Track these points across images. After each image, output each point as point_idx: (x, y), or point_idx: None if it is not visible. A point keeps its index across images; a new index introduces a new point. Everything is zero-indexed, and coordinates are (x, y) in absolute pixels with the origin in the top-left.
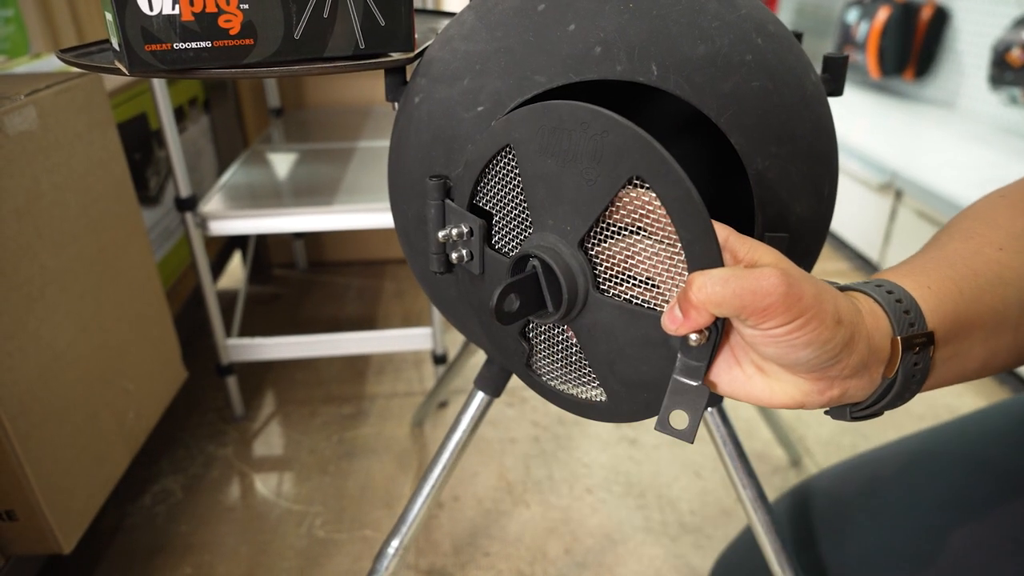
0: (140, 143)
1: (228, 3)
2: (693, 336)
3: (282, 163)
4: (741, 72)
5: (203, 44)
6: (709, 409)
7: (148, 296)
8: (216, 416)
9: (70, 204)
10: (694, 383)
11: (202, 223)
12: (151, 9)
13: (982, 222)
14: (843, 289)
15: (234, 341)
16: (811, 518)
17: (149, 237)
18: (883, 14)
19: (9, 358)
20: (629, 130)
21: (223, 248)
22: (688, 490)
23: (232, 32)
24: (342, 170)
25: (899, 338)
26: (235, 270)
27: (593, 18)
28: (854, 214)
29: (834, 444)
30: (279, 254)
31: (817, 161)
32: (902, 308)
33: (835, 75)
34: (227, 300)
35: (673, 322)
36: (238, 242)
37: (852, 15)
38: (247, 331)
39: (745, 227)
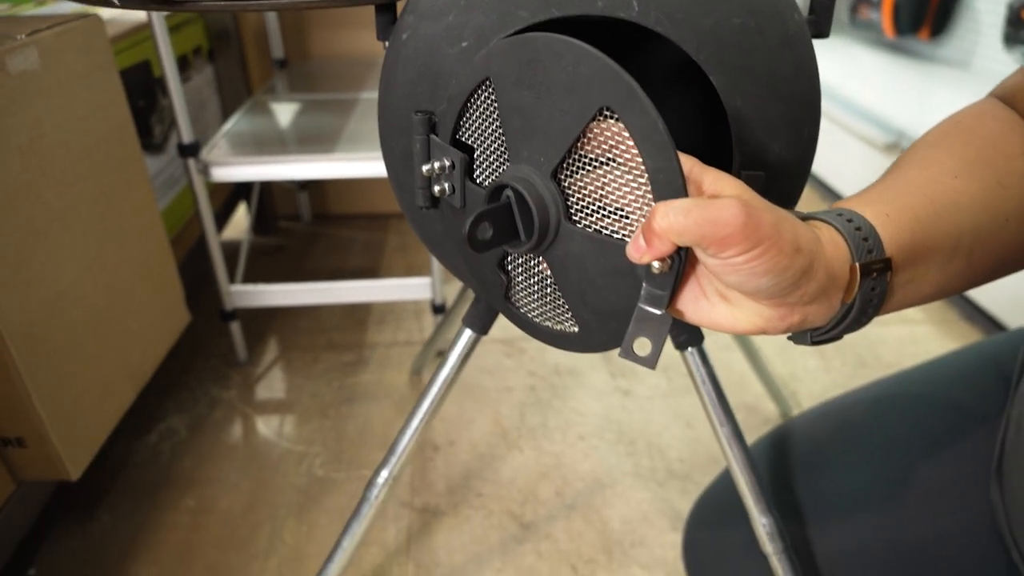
0: (144, 90)
1: None
2: (656, 264)
3: (285, 112)
4: (722, 9)
5: None
6: (690, 349)
7: (151, 239)
8: (220, 361)
9: (72, 145)
10: (658, 311)
11: (204, 169)
12: None
13: (939, 148)
14: (805, 218)
15: (237, 287)
16: (788, 458)
17: (153, 184)
18: None
19: (15, 293)
20: (599, 61)
21: (227, 198)
22: (678, 439)
23: None
24: (345, 120)
25: (857, 264)
26: (240, 221)
27: None
28: (857, 173)
29: (825, 398)
30: (284, 206)
31: (797, 102)
32: (861, 235)
33: (822, 16)
34: (232, 250)
35: (637, 251)
36: (243, 192)
37: None
38: (251, 279)
39: (728, 166)
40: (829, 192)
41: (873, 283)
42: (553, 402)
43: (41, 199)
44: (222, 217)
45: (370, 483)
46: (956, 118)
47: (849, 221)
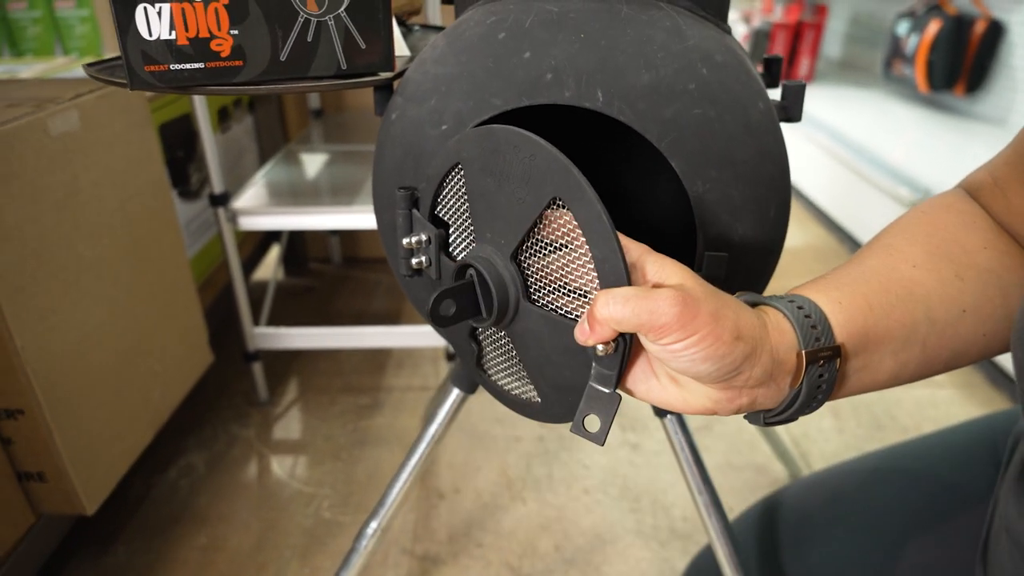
0: (184, 141)
1: (220, 29)
2: (600, 347)
3: (315, 162)
4: (683, 99)
5: (197, 65)
6: (668, 416)
7: (178, 286)
8: (242, 399)
9: (107, 199)
10: (606, 390)
11: (233, 218)
12: (150, 35)
13: (902, 238)
14: (756, 304)
15: (261, 330)
16: (776, 528)
17: (189, 229)
18: (934, 27)
19: (44, 336)
20: (551, 154)
21: (261, 241)
22: (683, 497)
23: (223, 55)
24: (370, 171)
25: (803, 352)
26: (273, 261)
27: (546, 47)
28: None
29: (838, 460)
30: (316, 248)
31: (761, 185)
32: (810, 323)
33: (792, 102)
34: (263, 290)
35: (583, 334)
36: (276, 235)
37: (902, 27)
38: (280, 320)
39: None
40: (856, 246)
41: (821, 370)
42: (560, 453)
43: (74, 250)
44: (255, 258)
45: (360, 533)
46: (922, 208)
47: (799, 308)
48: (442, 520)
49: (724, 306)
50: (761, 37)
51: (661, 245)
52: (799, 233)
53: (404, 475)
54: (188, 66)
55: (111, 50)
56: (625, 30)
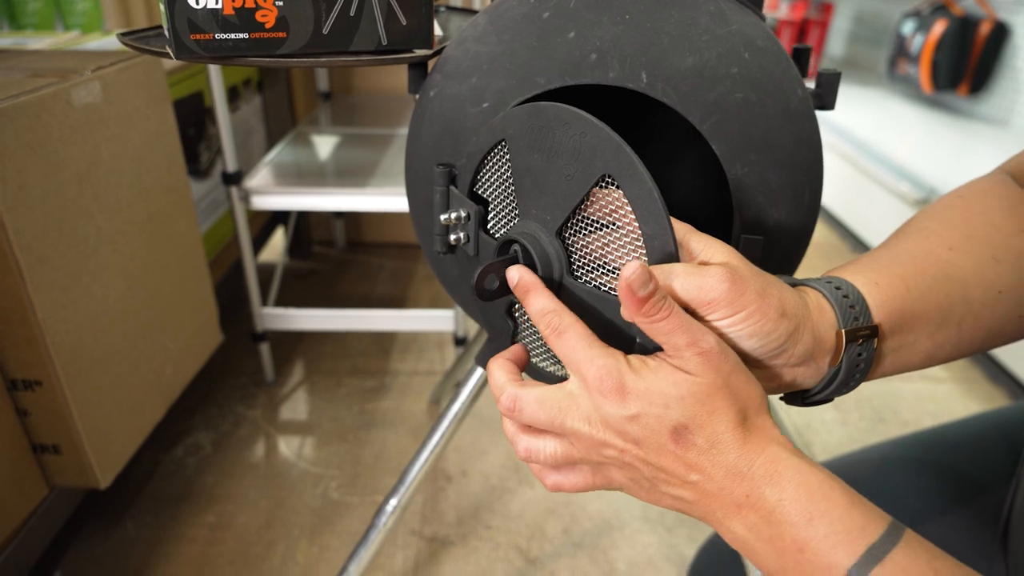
0: (195, 119)
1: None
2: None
3: (325, 144)
4: (726, 83)
5: (241, 36)
6: None
7: (191, 262)
8: (249, 380)
9: (125, 172)
10: None
11: (245, 197)
12: (197, 3)
13: (938, 221)
14: (795, 285)
15: (269, 310)
16: None
17: (198, 208)
18: (939, 27)
19: (64, 309)
20: (603, 132)
21: (266, 223)
22: None
23: (267, 26)
24: (381, 154)
25: (843, 330)
26: (277, 244)
27: (591, 27)
28: (887, 225)
29: (841, 452)
30: (320, 231)
31: (797, 170)
32: (848, 303)
33: (826, 90)
34: (267, 272)
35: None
36: (281, 218)
37: (908, 27)
38: (284, 302)
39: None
40: (858, 243)
41: (860, 348)
42: None
43: (93, 222)
44: (260, 240)
45: (379, 510)
46: (960, 192)
47: (837, 288)
48: (450, 502)
49: (769, 284)
50: None
51: (696, 224)
52: None
53: (425, 454)
54: (232, 36)
55: (113, 27)
56: (670, 12)
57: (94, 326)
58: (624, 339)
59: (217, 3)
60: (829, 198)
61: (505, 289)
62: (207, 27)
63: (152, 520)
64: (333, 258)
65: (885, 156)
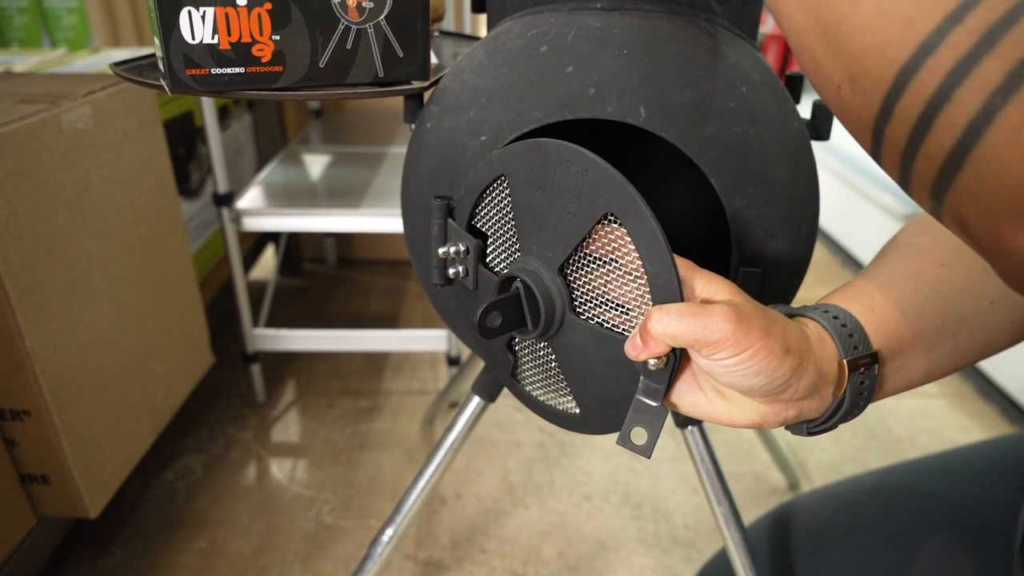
0: (185, 139)
1: (261, 34)
2: (652, 362)
3: (317, 163)
4: (724, 118)
5: (237, 70)
6: (690, 427)
7: (182, 285)
8: (240, 401)
9: (116, 196)
10: (654, 403)
11: (236, 218)
12: (193, 38)
13: (927, 236)
14: (793, 315)
15: (260, 331)
16: (789, 539)
17: (188, 228)
18: None
19: (53, 337)
20: (606, 171)
21: (257, 241)
22: (684, 504)
23: (264, 60)
24: (372, 173)
25: (845, 361)
26: (268, 261)
27: (590, 62)
28: (876, 240)
29: (834, 470)
30: (311, 249)
31: (795, 202)
32: (847, 332)
33: (822, 120)
34: (258, 290)
35: (634, 349)
36: (271, 235)
37: None
38: (274, 321)
39: (728, 258)
40: (848, 258)
41: (862, 377)
42: (561, 460)
43: (84, 248)
44: (251, 258)
45: (375, 540)
46: None
47: (835, 318)
48: (445, 526)
49: (773, 321)
50: None
51: (693, 255)
52: None
53: (422, 483)
54: (228, 70)
55: (99, 41)
56: (667, 47)
57: (84, 353)
58: (626, 377)
59: (213, 38)
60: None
61: (507, 326)
62: (203, 62)
63: (142, 547)
64: (325, 275)
65: (873, 170)
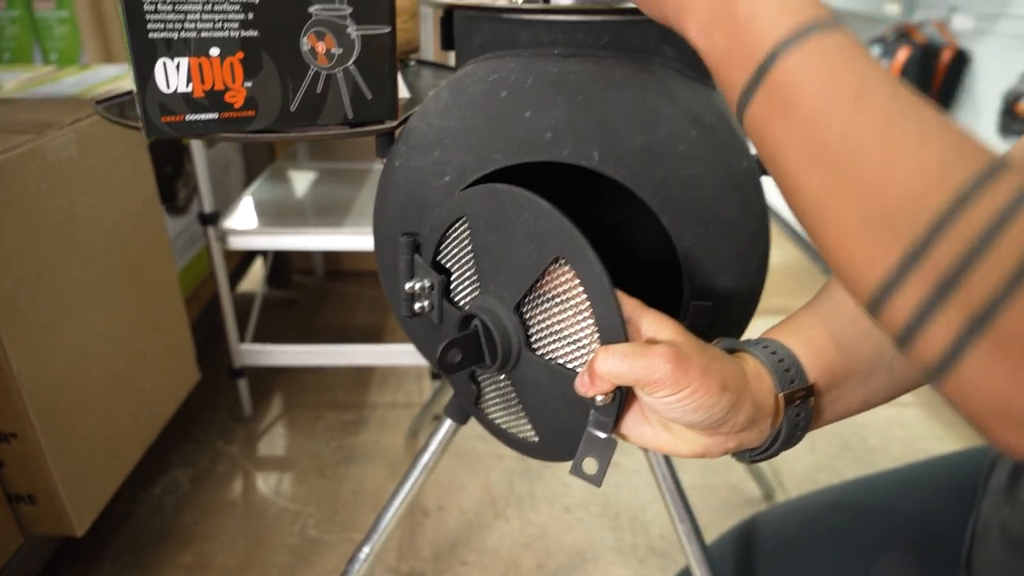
0: (172, 156)
1: (234, 81)
2: (599, 398)
3: (303, 180)
4: (674, 160)
5: (211, 116)
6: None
7: (168, 304)
8: (227, 415)
9: (102, 221)
10: (603, 435)
11: (222, 237)
12: (168, 88)
13: None
14: (735, 351)
15: (247, 346)
16: (753, 554)
17: (175, 244)
18: (903, 54)
19: (40, 361)
20: (556, 217)
21: (246, 254)
22: (661, 515)
23: (237, 105)
24: (359, 189)
25: (781, 395)
26: (256, 273)
27: (547, 107)
28: None
29: (809, 480)
30: (299, 261)
31: (744, 239)
32: (784, 367)
33: None
34: (246, 302)
35: (583, 386)
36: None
37: (874, 52)
38: (262, 334)
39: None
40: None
41: (798, 409)
42: (543, 472)
43: (70, 273)
44: (240, 271)
45: (352, 558)
46: None
47: (773, 353)
48: (427, 537)
49: (712, 360)
50: None
51: (648, 286)
52: (775, 252)
53: (396, 503)
54: (203, 116)
55: (90, 51)
56: (620, 93)
57: (71, 375)
58: (579, 410)
59: (188, 87)
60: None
61: (467, 362)
62: (178, 109)
63: (130, 561)
64: (313, 287)
65: None
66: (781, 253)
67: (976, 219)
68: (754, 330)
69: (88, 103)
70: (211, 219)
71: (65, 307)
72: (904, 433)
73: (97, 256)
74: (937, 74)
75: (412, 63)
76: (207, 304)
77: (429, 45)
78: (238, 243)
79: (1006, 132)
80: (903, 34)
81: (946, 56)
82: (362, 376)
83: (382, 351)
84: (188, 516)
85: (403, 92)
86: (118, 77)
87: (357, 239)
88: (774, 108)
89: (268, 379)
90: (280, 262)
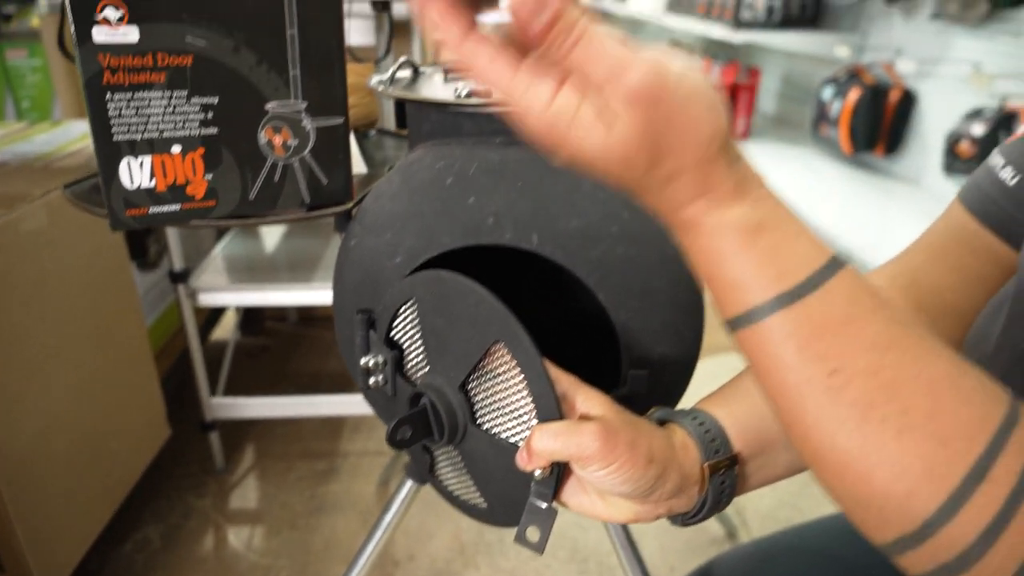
0: None
1: (195, 175)
2: (537, 472)
3: (273, 234)
4: (607, 242)
5: (173, 207)
6: None
7: (138, 363)
8: (198, 468)
9: (72, 287)
10: (544, 505)
11: (193, 295)
12: (132, 184)
13: None
14: (666, 420)
15: (218, 400)
16: None
17: (145, 300)
18: (854, 94)
19: (7, 428)
20: (495, 305)
21: None
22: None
23: (198, 197)
24: (327, 243)
25: (707, 465)
26: (229, 320)
27: (489, 194)
28: None
29: (771, 517)
30: (272, 307)
31: (677, 310)
32: (710, 437)
33: None
34: (218, 351)
35: (522, 461)
36: None
37: (827, 93)
38: (234, 384)
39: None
40: None
41: (723, 477)
42: None
43: (39, 340)
44: (212, 320)
45: None
46: None
47: (701, 424)
48: None
49: (639, 435)
50: None
51: (591, 356)
52: None
53: (364, 556)
54: (165, 208)
55: (63, 100)
56: (557, 180)
57: (39, 441)
58: (522, 480)
59: (151, 182)
60: None
61: (417, 437)
62: (142, 203)
63: None
64: (285, 333)
65: (808, 219)
66: None
67: (961, 534)
68: (711, 370)
69: (60, 172)
70: (181, 277)
71: (34, 373)
72: None
73: (67, 321)
74: (887, 113)
75: (372, 133)
76: (178, 357)
77: (392, 113)
78: (208, 300)
79: (950, 171)
80: (854, 75)
81: (894, 96)
82: (334, 424)
83: (353, 401)
84: (158, 574)
85: (360, 168)
86: (88, 135)
87: (326, 294)
88: (754, 357)
89: (240, 430)
90: (252, 310)
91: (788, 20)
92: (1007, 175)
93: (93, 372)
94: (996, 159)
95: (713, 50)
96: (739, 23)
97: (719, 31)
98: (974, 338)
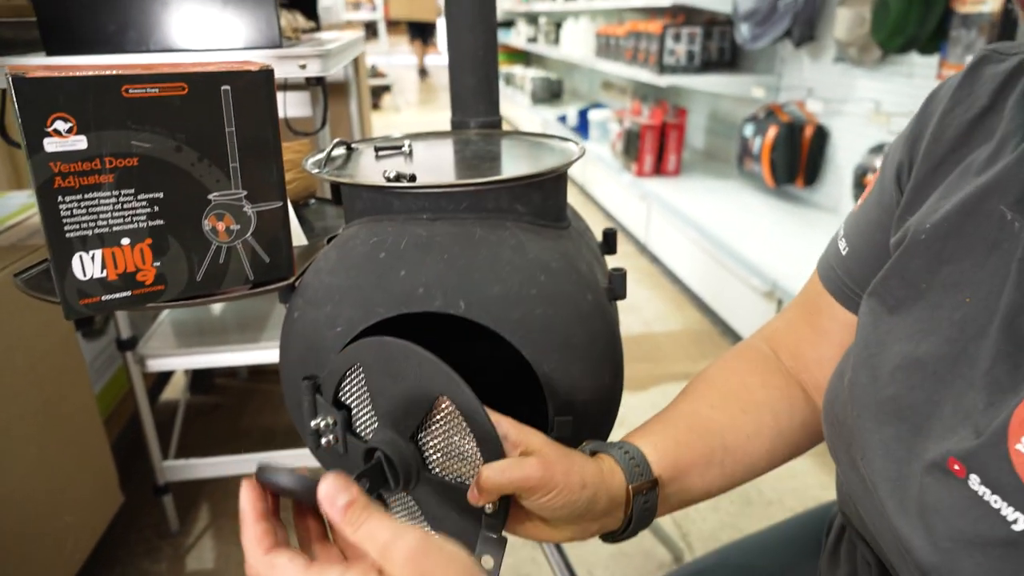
0: None
1: (144, 263)
2: (488, 506)
3: None
4: (527, 303)
5: (124, 294)
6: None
7: (88, 434)
8: (152, 532)
9: (18, 363)
10: (495, 535)
11: (140, 361)
12: (84, 275)
13: (706, 383)
14: (596, 451)
15: (170, 463)
16: None
17: (93, 367)
18: (772, 131)
19: None
20: (436, 364)
21: None
22: None
23: (147, 283)
24: (274, 302)
25: (630, 487)
26: (179, 380)
27: (418, 266)
28: (749, 311)
29: (714, 538)
30: None
31: (595, 360)
32: (634, 464)
33: (618, 284)
34: (170, 411)
35: (473, 498)
36: None
37: (748, 130)
38: (186, 444)
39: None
40: (727, 328)
41: (645, 498)
42: None
43: None
44: (161, 382)
45: None
46: (726, 357)
47: (626, 453)
48: None
49: (572, 464)
50: (632, 136)
51: (523, 401)
52: (678, 318)
53: None
54: (117, 296)
55: (1, 179)
56: (479, 250)
57: None
58: (473, 516)
59: (102, 272)
60: (699, 287)
61: (375, 488)
62: (94, 292)
63: None
64: (236, 389)
65: (739, 251)
66: (684, 319)
67: None
68: (664, 394)
69: (6, 252)
70: (129, 345)
71: None
72: (796, 484)
73: (14, 398)
74: (803, 148)
75: (313, 202)
76: (128, 420)
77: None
78: (157, 365)
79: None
80: (771, 113)
81: (808, 132)
82: None
83: (306, 454)
84: None
85: (300, 239)
86: (27, 206)
87: (275, 352)
88: None
89: (194, 489)
90: (201, 370)
91: (708, 64)
92: (843, 246)
93: (43, 447)
94: (840, 229)
95: (643, 92)
96: (663, 68)
97: (645, 75)
98: (829, 395)
